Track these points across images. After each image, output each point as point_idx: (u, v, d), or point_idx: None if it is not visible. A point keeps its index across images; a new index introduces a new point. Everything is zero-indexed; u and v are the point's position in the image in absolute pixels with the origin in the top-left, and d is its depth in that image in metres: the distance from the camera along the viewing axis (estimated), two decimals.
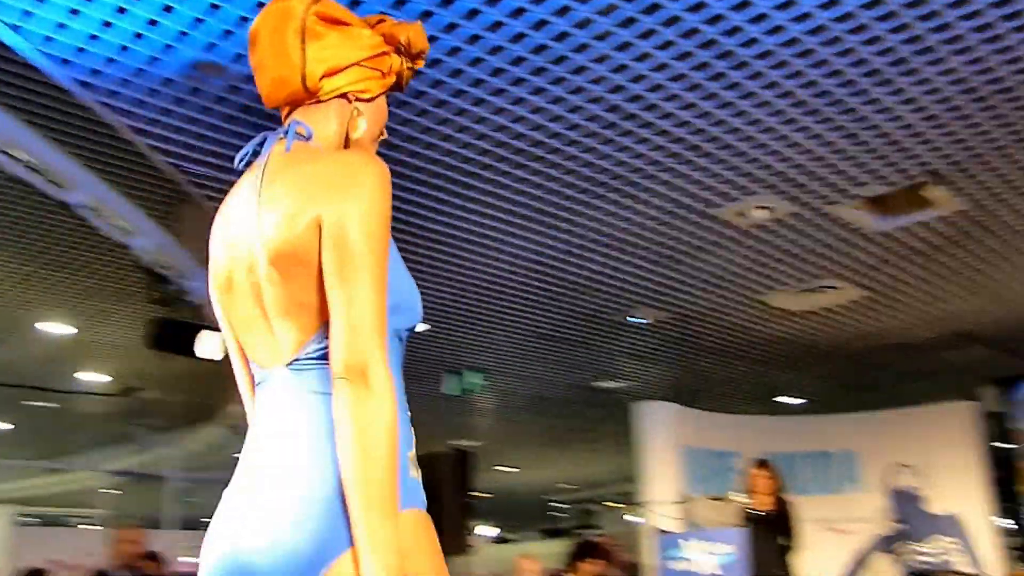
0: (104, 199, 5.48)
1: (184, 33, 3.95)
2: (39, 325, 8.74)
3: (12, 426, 13.88)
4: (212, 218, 1.71)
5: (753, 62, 4.30)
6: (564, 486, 18.92)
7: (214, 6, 3.80)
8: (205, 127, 4.71)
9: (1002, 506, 11.82)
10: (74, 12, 3.85)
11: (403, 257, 1.62)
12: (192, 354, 6.14)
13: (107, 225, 5.62)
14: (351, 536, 1.40)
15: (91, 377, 10.70)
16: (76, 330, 8.80)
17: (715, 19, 3.99)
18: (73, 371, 10.49)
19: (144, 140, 4.87)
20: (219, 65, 4.17)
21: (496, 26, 3.99)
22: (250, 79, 3.57)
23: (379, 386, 1.43)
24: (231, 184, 1.73)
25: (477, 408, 11.59)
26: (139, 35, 3.98)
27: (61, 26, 3.94)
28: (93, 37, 4.02)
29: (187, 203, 5.80)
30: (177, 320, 6.23)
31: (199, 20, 3.87)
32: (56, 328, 8.84)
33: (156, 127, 4.72)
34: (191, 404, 10.89)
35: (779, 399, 11.34)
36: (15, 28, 3.96)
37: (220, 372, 8.97)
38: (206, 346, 6.14)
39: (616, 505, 16.31)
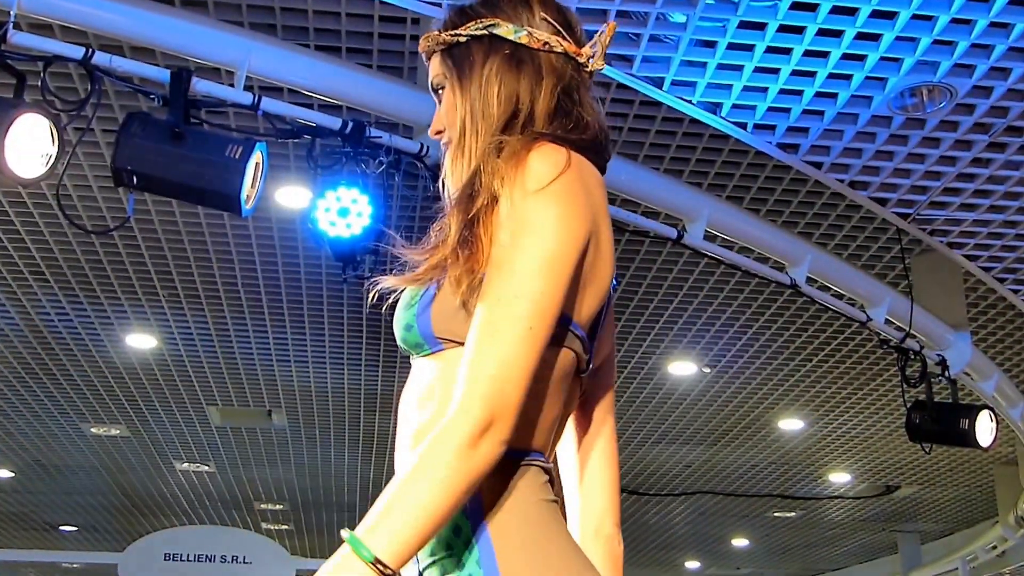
0: (829, 271, 4.69)
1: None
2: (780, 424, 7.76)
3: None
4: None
5: None
6: None
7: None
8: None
9: None
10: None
11: None
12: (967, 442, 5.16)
13: (835, 300, 4.82)
14: None
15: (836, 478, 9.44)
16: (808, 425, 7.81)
17: None
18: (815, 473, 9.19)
19: (862, 193, 4.17)
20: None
21: None
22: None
23: None
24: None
25: None
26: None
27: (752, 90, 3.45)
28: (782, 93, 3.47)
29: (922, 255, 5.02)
30: (940, 403, 5.20)
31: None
32: (791, 425, 7.79)
33: (871, 175, 4.03)
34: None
35: None
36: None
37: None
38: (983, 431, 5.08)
39: None
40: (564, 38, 1.44)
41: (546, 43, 1.42)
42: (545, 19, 1.44)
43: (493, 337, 1.24)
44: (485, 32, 1.43)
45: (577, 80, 1.44)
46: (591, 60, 1.46)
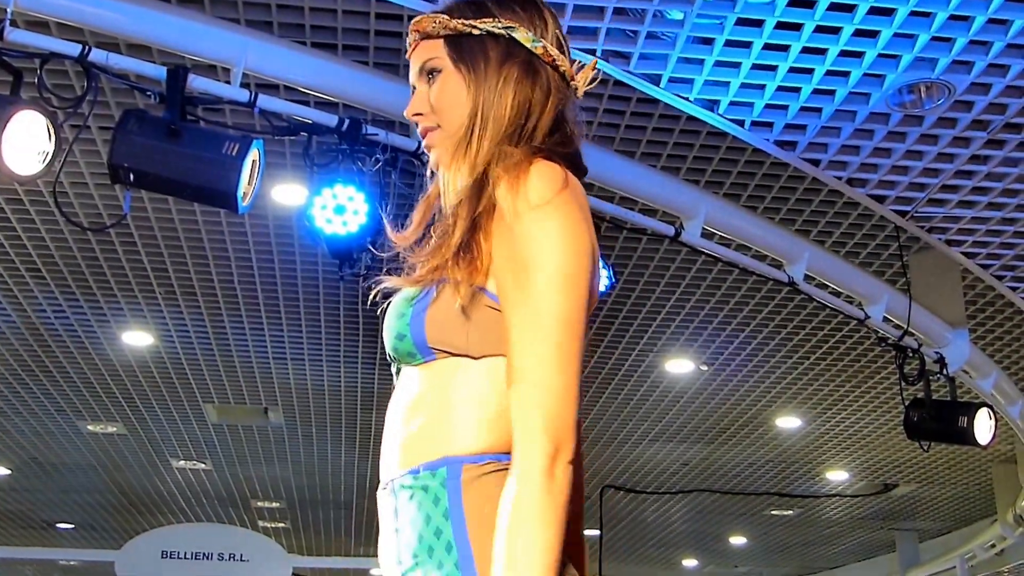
0: (826, 269, 4.72)
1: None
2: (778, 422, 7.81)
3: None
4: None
5: None
6: None
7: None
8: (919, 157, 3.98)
9: None
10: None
11: None
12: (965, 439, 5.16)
13: (833, 298, 4.83)
14: None
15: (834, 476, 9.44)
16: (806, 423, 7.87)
17: None
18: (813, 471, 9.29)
19: (860, 190, 4.18)
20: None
21: None
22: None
23: None
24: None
25: None
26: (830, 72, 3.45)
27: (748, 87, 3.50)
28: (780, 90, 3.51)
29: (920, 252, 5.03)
30: (938, 400, 5.23)
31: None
32: (789, 423, 7.91)
33: (869, 172, 4.05)
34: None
35: None
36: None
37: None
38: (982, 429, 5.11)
39: None
40: (567, 58, 1.46)
41: (554, 60, 1.43)
42: (557, 36, 1.46)
43: (531, 364, 1.25)
44: (503, 33, 1.42)
45: (569, 99, 1.46)
46: (577, 88, 1.47)
